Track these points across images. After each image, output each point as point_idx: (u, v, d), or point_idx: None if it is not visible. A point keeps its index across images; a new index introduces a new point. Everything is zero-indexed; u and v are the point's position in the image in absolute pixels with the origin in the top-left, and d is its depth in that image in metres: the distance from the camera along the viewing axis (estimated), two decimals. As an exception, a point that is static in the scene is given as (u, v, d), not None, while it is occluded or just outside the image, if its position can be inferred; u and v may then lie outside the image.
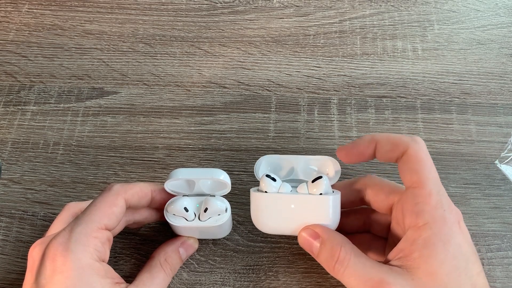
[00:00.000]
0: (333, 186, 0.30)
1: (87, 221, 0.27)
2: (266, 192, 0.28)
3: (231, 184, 0.29)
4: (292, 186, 0.29)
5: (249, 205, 0.36)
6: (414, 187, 0.26)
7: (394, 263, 0.26)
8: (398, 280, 0.24)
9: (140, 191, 0.30)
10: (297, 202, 0.28)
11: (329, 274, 0.32)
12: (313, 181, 0.28)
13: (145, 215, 0.32)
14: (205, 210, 0.29)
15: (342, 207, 0.29)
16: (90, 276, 0.26)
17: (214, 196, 0.30)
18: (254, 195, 0.29)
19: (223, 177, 0.29)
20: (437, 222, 0.25)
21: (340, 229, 0.29)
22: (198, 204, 0.30)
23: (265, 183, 0.29)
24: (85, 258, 0.26)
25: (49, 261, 0.25)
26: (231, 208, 0.31)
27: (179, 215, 0.30)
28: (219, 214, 0.30)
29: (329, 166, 0.31)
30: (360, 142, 0.29)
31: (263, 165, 0.31)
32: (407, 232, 0.26)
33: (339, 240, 0.27)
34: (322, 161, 0.31)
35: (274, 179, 0.29)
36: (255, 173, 0.30)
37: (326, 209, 0.28)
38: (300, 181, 0.30)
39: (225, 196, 0.30)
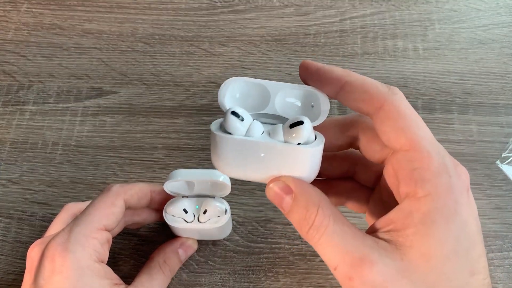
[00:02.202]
0: (317, 127, 0.23)
1: (86, 221, 0.27)
2: (230, 134, 0.22)
3: (231, 184, 0.29)
4: (265, 123, 0.23)
5: (249, 205, 0.36)
6: (406, 150, 0.21)
7: (381, 236, 0.21)
8: (383, 258, 0.20)
9: (139, 192, 0.29)
10: (268, 151, 0.22)
11: (330, 275, 0.33)
12: (291, 126, 0.22)
13: (144, 216, 0.31)
14: (205, 212, 0.29)
15: (326, 150, 0.24)
16: (89, 277, 0.25)
17: (213, 197, 0.30)
18: (216, 136, 0.22)
19: (223, 178, 0.28)
20: (441, 194, 0.20)
21: (319, 173, 0.24)
22: (198, 205, 0.30)
23: (230, 123, 0.22)
24: (84, 258, 0.26)
25: (48, 261, 0.25)
26: (231, 208, 0.31)
27: (178, 217, 0.30)
28: (218, 216, 0.30)
29: (316, 102, 0.23)
30: (327, 70, 0.22)
31: (230, 92, 0.24)
32: (403, 201, 0.21)
33: (316, 199, 0.22)
34: (307, 94, 0.24)
35: (242, 118, 0.22)
36: (219, 102, 0.24)
37: (303, 162, 0.22)
38: (276, 118, 0.24)
39: (225, 197, 0.30)
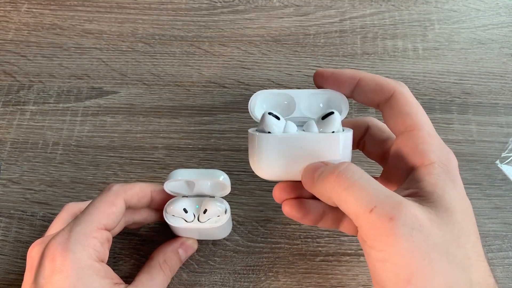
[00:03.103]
0: None
1: (87, 221, 0.27)
2: (269, 133, 0.25)
3: (231, 184, 0.29)
4: (296, 125, 0.26)
5: (249, 205, 0.36)
6: (410, 131, 0.24)
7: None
8: (417, 205, 0.21)
9: (139, 192, 0.29)
10: (307, 142, 0.24)
11: (329, 274, 0.33)
12: (323, 118, 0.25)
13: (144, 216, 0.31)
14: (205, 211, 0.29)
15: None
16: (89, 276, 0.25)
17: (213, 197, 0.30)
18: (256, 137, 0.25)
19: (223, 178, 0.29)
20: (444, 162, 0.23)
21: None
22: (198, 205, 0.30)
23: (268, 123, 0.25)
24: (84, 258, 0.26)
25: (48, 261, 0.25)
26: (231, 208, 0.31)
27: (178, 216, 0.30)
28: (218, 216, 0.30)
29: (337, 101, 0.27)
30: (341, 72, 0.26)
31: (259, 102, 0.27)
32: (412, 172, 0.23)
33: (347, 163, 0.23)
34: (328, 96, 0.27)
35: (277, 117, 0.25)
36: (250, 112, 0.27)
37: (338, 147, 0.25)
38: (305, 119, 0.27)
39: (225, 197, 0.30)
